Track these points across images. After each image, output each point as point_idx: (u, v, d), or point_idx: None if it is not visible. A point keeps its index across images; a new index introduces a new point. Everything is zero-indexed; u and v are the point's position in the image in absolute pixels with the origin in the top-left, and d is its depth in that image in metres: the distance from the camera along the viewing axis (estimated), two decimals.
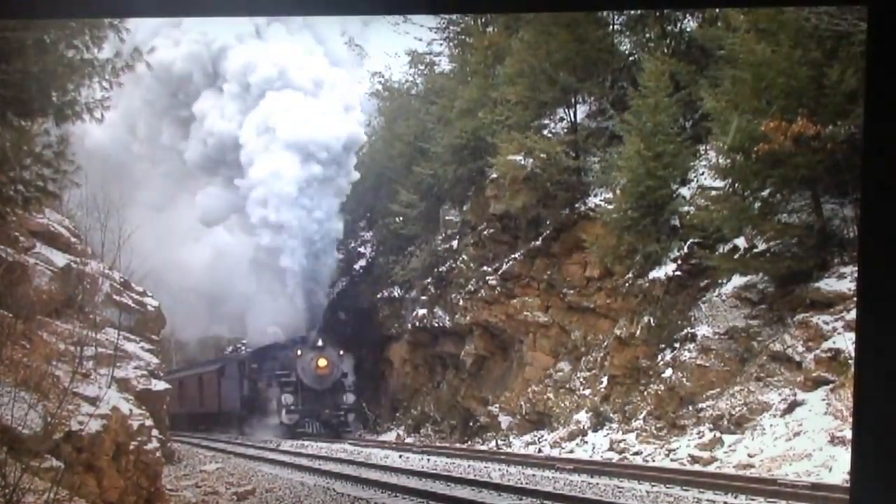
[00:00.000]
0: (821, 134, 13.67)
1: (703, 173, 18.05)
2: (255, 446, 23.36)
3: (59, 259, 11.25)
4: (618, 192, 19.17)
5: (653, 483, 12.21)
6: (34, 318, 8.88)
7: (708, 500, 10.36)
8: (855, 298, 13.72)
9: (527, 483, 12.72)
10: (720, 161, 16.60)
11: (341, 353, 28.34)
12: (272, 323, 30.25)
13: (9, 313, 7.94)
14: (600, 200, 20.46)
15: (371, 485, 13.47)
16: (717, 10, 17.18)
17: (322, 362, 27.42)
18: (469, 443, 22.87)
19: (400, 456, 18.25)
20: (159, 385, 13.16)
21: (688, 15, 20.43)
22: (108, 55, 8.83)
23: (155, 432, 10.39)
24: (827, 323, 13.88)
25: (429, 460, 17.41)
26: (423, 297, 27.40)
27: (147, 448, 9.43)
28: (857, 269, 13.67)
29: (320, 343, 27.87)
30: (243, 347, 35.23)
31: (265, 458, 19.34)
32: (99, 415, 7.73)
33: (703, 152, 18.40)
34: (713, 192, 16.89)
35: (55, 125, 8.93)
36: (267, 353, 29.52)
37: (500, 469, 15.11)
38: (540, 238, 22.41)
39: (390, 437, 27.18)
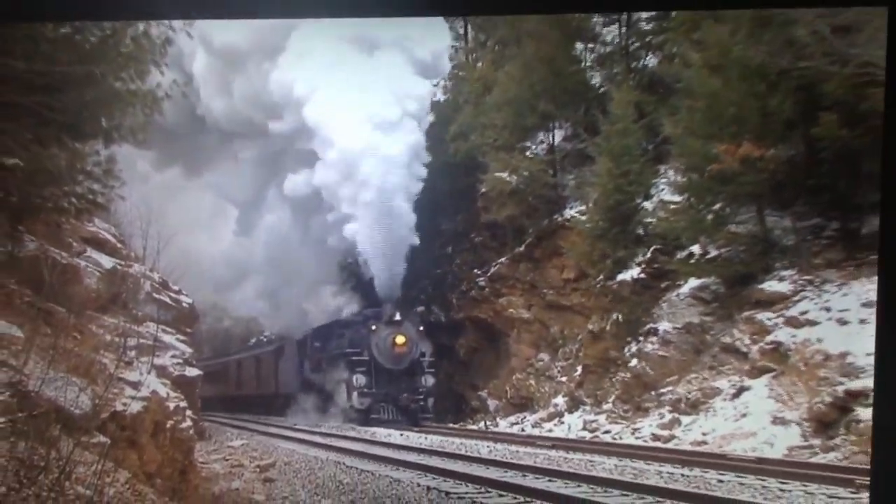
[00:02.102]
0: (764, 156, 13.82)
1: (663, 189, 18.18)
2: (276, 425, 23.01)
3: (107, 262, 11.25)
4: (590, 205, 19.30)
5: (620, 458, 12.27)
6: (84, 313, 8.90)
7: (667, 473, 10.41)
8: (793, 298, 13.88)
9: (511, 458, 12.72)
10: (678, 179, 16.75)
11: (421, 328, 22.08)
12: (343, 294, 25.43)
13: (63, 309, 7.99)
14: (575, 212, 20.57)
15: (376, 459, 13.47)
16: (675, 49, 17.26)
17: (400, 339, 21.10)
18: (461, 423, 22.87)
19: (401, 434, 18.23)
20: (192, 372, 13.14)
21: (650, 53, 20.65)
22: (150, 86, 8.88)
23: (189, 413, 10.40)
24: (770, 319, 13.99)
25: (426, 438, 17.39)
26: (422, 296, 27.42)
27: (181, 426, 9.43)
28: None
29: (398, 317, 21.44)
30: (265, 339, 34.20)
31: (284, 435, 19.30)
32: (140, 397, 7.74)
33: (663, 171, 18.54)
34: (672, 206, 17.02)
35: (104, 146, 8.97)
36: (332, 330, 23.69)
37: (488, 446, 15.11)
38: (523, 245, 22.49)
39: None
